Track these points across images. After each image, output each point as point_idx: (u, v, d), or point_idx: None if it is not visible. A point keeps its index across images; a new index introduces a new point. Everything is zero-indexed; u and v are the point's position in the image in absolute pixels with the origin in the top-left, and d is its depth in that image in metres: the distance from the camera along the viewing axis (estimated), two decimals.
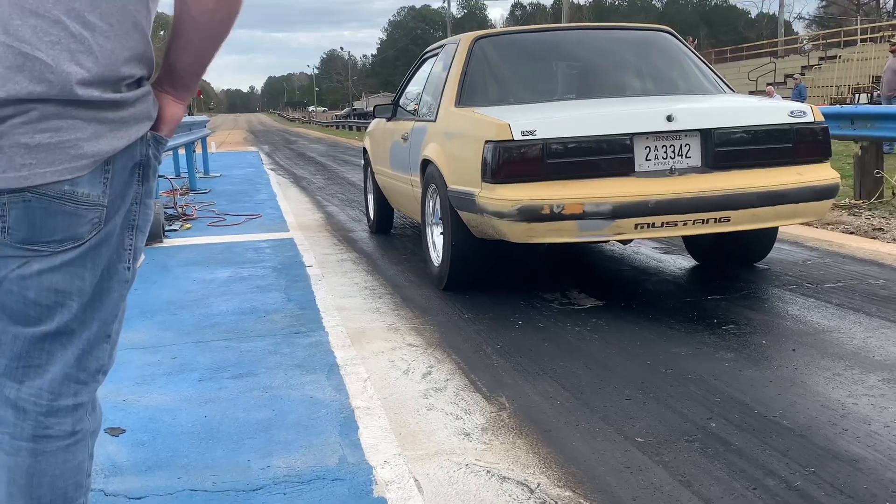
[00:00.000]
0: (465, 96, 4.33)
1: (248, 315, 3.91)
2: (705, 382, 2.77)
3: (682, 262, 4.88)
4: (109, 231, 1.29)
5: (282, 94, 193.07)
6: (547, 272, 4.78)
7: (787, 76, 26.42)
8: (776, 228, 4.20)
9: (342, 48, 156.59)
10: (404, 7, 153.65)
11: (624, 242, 4.23)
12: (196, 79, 1.40)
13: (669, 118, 3.58)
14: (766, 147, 3.69)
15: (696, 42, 34.59)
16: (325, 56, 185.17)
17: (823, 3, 66.00)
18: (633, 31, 4.97)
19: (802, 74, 25.55)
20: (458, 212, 3.92)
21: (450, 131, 4.19)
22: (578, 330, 3.48)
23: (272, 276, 4.85)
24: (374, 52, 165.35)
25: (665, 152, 3.62)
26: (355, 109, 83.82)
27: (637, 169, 3.59)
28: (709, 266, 4.71)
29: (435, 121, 4.46)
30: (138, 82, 1.29)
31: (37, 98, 1.17)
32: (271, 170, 14.38)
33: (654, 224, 3.50)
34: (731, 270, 4.55)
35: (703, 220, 3.53)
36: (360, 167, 14.47)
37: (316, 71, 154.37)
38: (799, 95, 20.24)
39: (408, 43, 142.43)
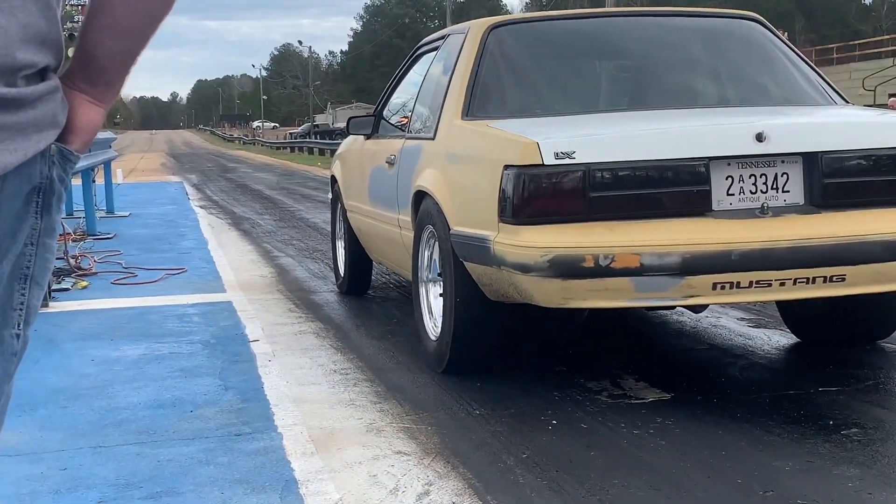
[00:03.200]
0: (477, 105, 4.35)
1: (169, 409, 3.88)
2: None
3: (779, 340, 4.87)
4: None
5: (216, 105, 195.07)
6: (591, 351, 4.76)
7: None
8: None
9: (300, 42, 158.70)
10: None
11: (697, 310, 4.22)
12: (124, 72, 1.40)
13: (760, 137, 3.55)
14: (894, 179, 3.68)
15: (786, 35, 35.16)
16: (276, 52, 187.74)
17: None
18: (709, 19, 5.08)
19: None
20: (466, 264, 3.92)
21: (455, 153, 4.25)
22: (637, 433, 3.45)
23: (202, 354, 4.83)
24: (345, 47, 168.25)
25: (755, 184, 3.61)
26: (317, 126, 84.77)
27: (715, 207, 3.57)
28: (816, 345, 4.70)
29: (433, 138, 4.50)
30: (41, 74, 1.29)
31: None
32: (201, 207, 14.46)
33: (739, 284, 3.45)
34: (847, 352, 4.53)
35: (809, 279, 3.48)
36: (324, 204, 14.54)
37: (264, 73, 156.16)
38: None
39: (391, 35, 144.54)
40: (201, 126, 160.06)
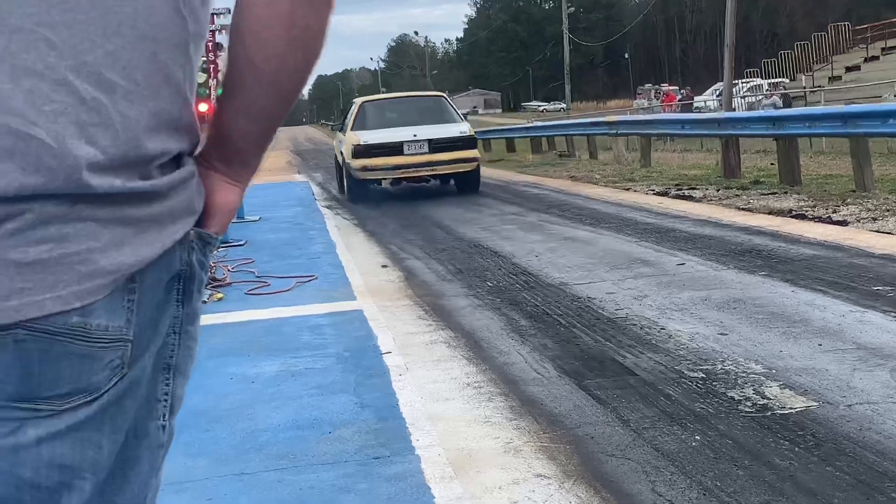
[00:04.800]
0: (354, 125, 15.38)
1: (308, 431, 3.89)
2: None
3: None
4: (136, 376, 1.25)
5: (336, 99, 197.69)
6: (728, 355, 4.60)
7: None
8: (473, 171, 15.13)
9: (416, 33, 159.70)
10: None
11: (394, 184, 15.23)
12: (260, 152, 1.37)
13: (416, 134, 14.52)
14: (453, 143, 14.64)
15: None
16: (392, 44, 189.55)
17: None
18: (425, 97, 16.98)
19: None
20: (349, 169, 14.76)
21: (346, 138, 15.28)
22: (786, 449, 3.31)
23: (337, 369, 4.85)
24: (460, 34, 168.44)
25: (415, 148, 14.46)
26: None
27: (405, 152, 14.40)
28: None
29: (345, 134, 15.68)
30: (176, 161, 1.26)
31: (32, 194, 1.14)
32: (327, 208, 14.62)
33: (409, 171, 14.63)
34: None
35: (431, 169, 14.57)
36: (447, 201, 14.54)
37: (381, 65, 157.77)
38: None
39: (506, 20, 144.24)
40: (323, 121, 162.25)
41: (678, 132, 16.60)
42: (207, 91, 15.76)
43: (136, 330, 1.23)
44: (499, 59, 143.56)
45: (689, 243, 8.15)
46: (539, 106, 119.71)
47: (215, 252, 8.84)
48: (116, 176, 1.17)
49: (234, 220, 9.57)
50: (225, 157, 1.35)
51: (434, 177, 14.92)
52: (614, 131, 19.57)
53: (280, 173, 27.58)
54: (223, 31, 16.21)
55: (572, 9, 54.04)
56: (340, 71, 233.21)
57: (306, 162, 36.96)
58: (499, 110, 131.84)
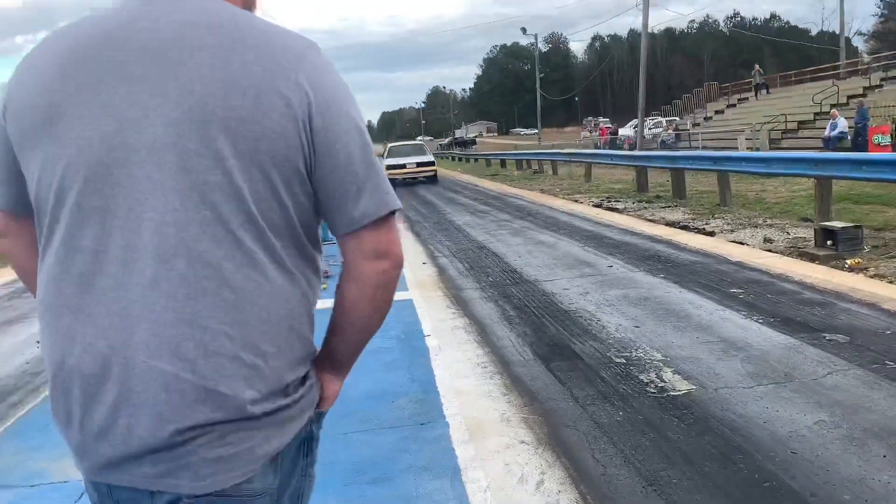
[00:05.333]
0: None
1: (380, 401, 3.89)
2: None
3: (770, 332, 4.58)
4: None
5: (394, 127, 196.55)
6: (639, 347, 4.57)
7: (849, 97, 24.78)
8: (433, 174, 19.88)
9: (444, 87, 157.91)
10: (496, 45, 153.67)
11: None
12: (353, 359, 1.38)
13: (410, 160, 17.08)
14: (425, 163, 17.59)
15: (756, 69, 32.96)
16: (430, 92, 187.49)
17: (881, 18, 61.54)
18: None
19: (864, 96, 23.88)
20: None
21: None
22: (678, 425, 3.29)
23: (397, 348, 4.84)
24: (472, 85, 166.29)
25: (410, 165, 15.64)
26: (456, 138, 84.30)
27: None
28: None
29: None
30: (303, 379, 1.27)
31: (216, 422, 1.16)
32: None
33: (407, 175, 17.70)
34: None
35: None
36: (464, 207, 14.45)
37: (422, 105, 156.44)
38: (862, 118, 18.93)
39: (501, 77, 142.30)
40: (385, 142, 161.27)
41: (608, 162, 16.42)
42: None
43: (279, 481, 1.25)
44: (496, 101, 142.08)
45: (616, 249, 8.08)
46: (521, 131, 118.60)
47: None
48: (268, 402, 1.19)
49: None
50: (333, 365, 1.35)
51: (416, 176, 21.53)
52: (568, 159, 19.39)
53: None
54: None
55: (542, 74, 53.01)
56: (397, 109, 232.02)
57: None
58: (496, 134, 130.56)
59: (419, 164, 21.62)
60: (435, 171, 21.92)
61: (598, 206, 12.66)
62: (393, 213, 1.22)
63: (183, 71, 1.08)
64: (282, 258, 1.15)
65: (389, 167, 20.31)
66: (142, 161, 1.08)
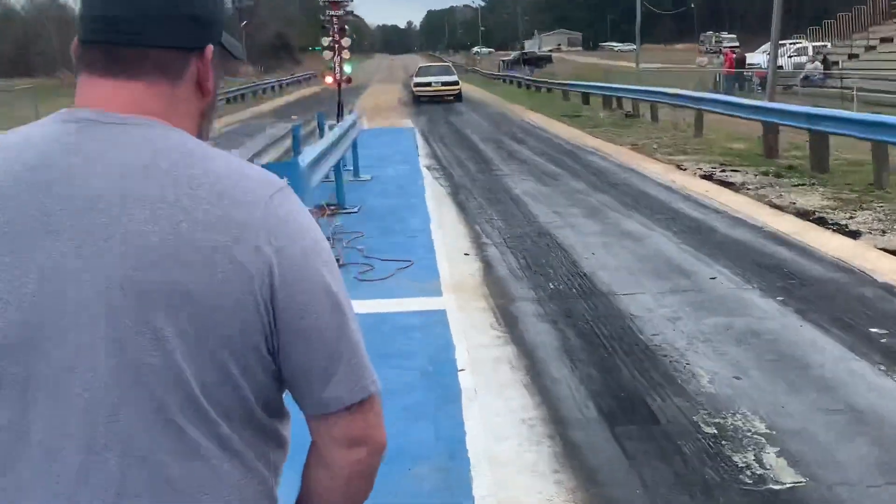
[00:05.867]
0: None
1: (394, 464, 4.01)
2: None
3: None
4: None
5: (442, 32, 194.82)
6: (737, 412, 4.62)
7: None
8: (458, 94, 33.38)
9: None
10: None
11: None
12: None
13: (436, 80, 33.51)
14: (450, 83, 33.28)
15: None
16: None
17: None
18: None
19: None
20: None
21: None
22: None
23: (421, 386, 4.98)
24: None
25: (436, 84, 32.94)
26: (525, 53, 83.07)
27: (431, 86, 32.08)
28: None
29: None
30: None
31: None
32: (427, 168, 14.67)
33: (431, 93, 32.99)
34: None
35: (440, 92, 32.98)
36: (527, 168, 14.45)
37: (481, 4, 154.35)
38: None
39: None
40: (430, 52, 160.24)
41: (726, 112, 16.15)
42: (333, 65, 15.91)
43: None
44: (580, 4, 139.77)
45: (724, 249, 8.05)
46: (614, 46, 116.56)
47: (335, 219, 8.86)
48: None
49: (351, 178, 9.88)
50: None
51: (440, 95, 32.67)
52: (672, 102, 19.17)
53: (390, 115, 27.61)
54: (347, 16, 16.24)
55: None
56: (447, 7, 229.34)
57: (413, 100, 36.81)
58: (580, 48, 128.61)
59: (444, 84, 33.40)
60: (459, 90, 33.64)
61: (706, 176, 12.55)
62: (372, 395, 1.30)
63: (117, 229, 1.16)
64: (233, 443, 1.22)
65: (417, 84, 34.08)
66: (71, 327, 1.16)
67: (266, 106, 36.43)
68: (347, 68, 15.68)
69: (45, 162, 1.20)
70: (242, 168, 1.24)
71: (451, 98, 32.80)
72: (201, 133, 1.31)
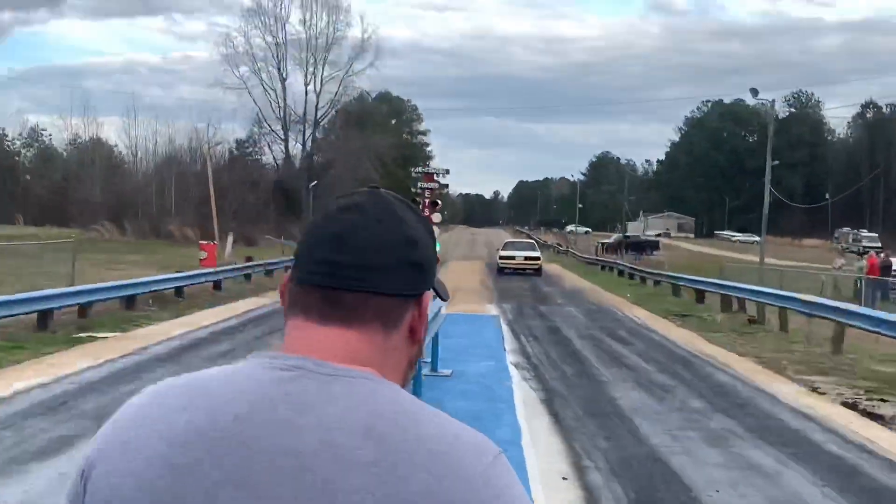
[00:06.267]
0: None
1: None
2: None
3: None
4: None
5: (532, 206, 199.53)
6: None
7: None
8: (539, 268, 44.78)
9: (617, 155, 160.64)
10: (707, 100, 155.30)
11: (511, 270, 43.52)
12: None
13: (519, 254, 46.13)
14: (533, 258, 45.53)
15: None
16: (594, 159, 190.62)
17: None
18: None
19: None
20: None
21: None
22: None
23: None
24: (661, 157, 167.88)
25: (519, 258, 45.19)
26: (628, 237, 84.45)
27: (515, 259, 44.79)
28: None
29: None
30: None
31: None
32: (515, 366, 14.79)
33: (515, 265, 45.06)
34: None
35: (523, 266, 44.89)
36: (630, 369, 14.43)
37: (581, 178, 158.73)
38: None
39: (709, 149, 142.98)
40: (517, 227, 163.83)
41: (873, 330, 16.05)
42: None
43: None
44: (696, 185, 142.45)
45: (876, 499, 7.86)
46: (732, 236, 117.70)
47: None
48: None
49: (428, 372, 9.99)
50: None
51: (523, 268, 43.03)
52: (807, 311, 19.13)
53: (472, 299, 28.03)
54: (440, 190, 16.97)
55: (777, 162, 52.54)
56: (541, 179, 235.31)
57: (497, 283, 37.36)
58: (691, 235, 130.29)
59: (527, 258, 44.91)
60: (540, 265, 44.71)
61: (850, 405, 12.37)
62: None
63: (327, 494, 1.26)
64: None
65: (502, 257, 45.32)
66: None
67: None
68: (436, 247, 16.29)
69: (249, 410, 1.32)
70: (458, 431, 1.33)
71: (532, 272, 43.64)
72: (404, 383, 1.45)
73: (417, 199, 16.17)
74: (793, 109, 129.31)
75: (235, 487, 1.29)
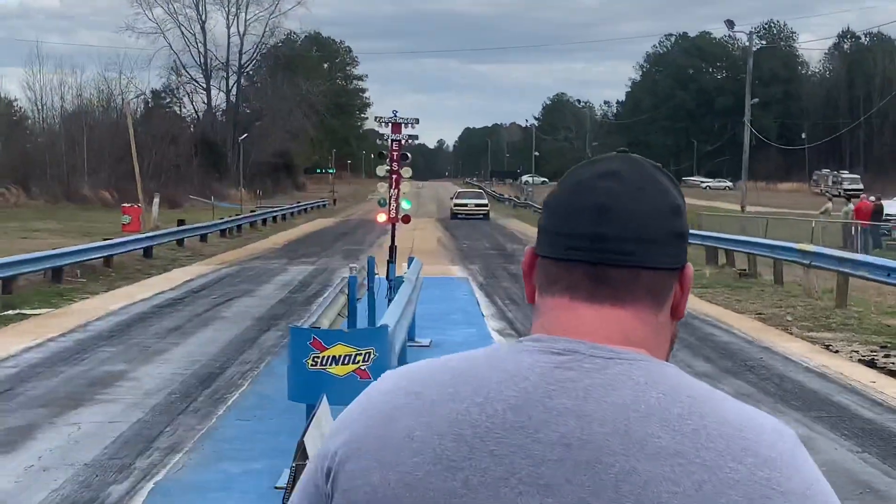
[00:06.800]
0: None
1: None
2: None
3: None
4: None
5: (483, 155, 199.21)
6: None
7: None
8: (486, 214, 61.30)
9: (573, 97, 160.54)
10: (670, 34, 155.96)
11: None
12: None
13: (470, 201, 63.21)
14: (482, 205, 62.54)
15: None
16: (548, 102, 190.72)
17: None
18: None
19: None
20: None
21: None
22: None
23: None
24: (622, 98, 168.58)
25: (471, 206, 62.27)
26: None
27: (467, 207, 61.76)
28: None
29: None
30: None
31: None
32: (498, 332, 14.82)
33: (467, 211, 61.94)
34: None
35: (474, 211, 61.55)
36: None
37: (534, 123, 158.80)
38: None
39: (674, 86, 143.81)
40: (467, 179, 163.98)
41: (884, 280, 16.33)
42: (386, 200, 16.35)
43: None
44: (662, 128, 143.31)
45: None
46: (702, 182, 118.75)
47: None
48: None
49: (407, 343, 9.95)
50: None
51: (474, 214, 58.93)
52: (807, 262, 19.37)
53: (433, 260, 27.90)
54: (409, 141, 16.78)
55: (756, 100, 52.72)
56: (490, 125, 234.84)
57: (458, 241, 37.42)
58: None
59: (476, 205, 60.80)
60: (488, 211, 60.28)
61: (868, 362, 12.60)
62: None
63: (629, 488, 1.25)
64: None
65: (456, 205, 61.25)
66: None
67: (266, 242, 37.07)
68: (405, 204, 16.09)
69: (526, 396, 1.30)
70: (753, 415, 1.33)
71: (482, 216, 58.81)
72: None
73: (384, 152, 15.89)
74: (763, 42, 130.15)
75: (522, 482, 1.27)
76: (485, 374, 1.35)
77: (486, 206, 61.44)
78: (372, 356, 6.88)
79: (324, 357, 6.80)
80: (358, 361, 6.83)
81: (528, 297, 1.43)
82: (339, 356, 6.81)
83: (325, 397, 5.20)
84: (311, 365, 6.80)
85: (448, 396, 1.34)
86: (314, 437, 4.78)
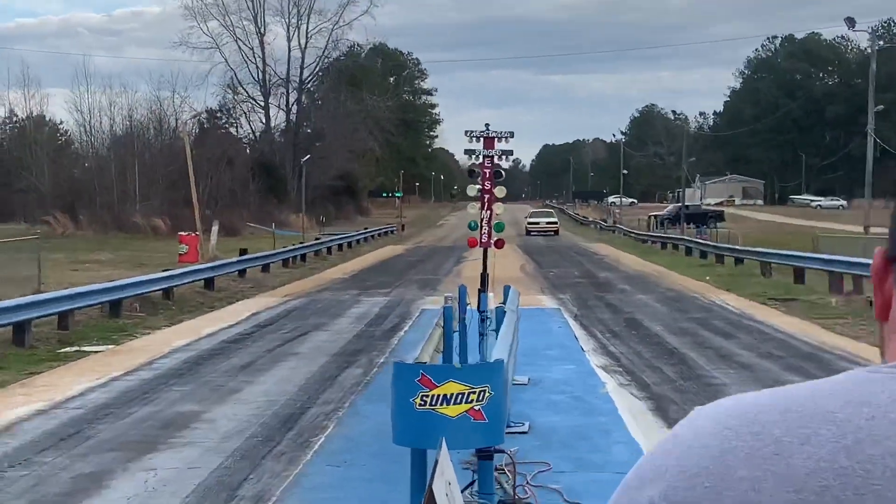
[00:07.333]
0: None
1: None
2: None
3: None
4: None
5: (564, 175, 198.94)
6: None
7: None
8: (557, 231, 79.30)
9: (663, 108, 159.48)
10: (774, 37, 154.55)
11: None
12: None
13: (542, 220, 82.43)
14: (552, 223, 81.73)
15: None
16: (636, 115, 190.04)
17: None
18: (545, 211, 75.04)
19: None
20: None
21: None
22: None
23: None
24: (718, 109, 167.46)
25: (542, 224, 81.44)
26: (688, 207, 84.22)
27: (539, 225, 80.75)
28: None
29: None
30: None
31: None
32: (602, 368, 14.70)
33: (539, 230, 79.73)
34: None
35: (545, 229, 79.99)
36: (744, 377, 14.31)
37: (621, 137, 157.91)
38: None
39: (778, 95, 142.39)
40: (547, 202, 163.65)
41: None
42: (477, 224, 16.26)
43: None
44: (765, 141, 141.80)
45: None
46: (812, 201, 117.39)
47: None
48: None
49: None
50: None
51: (546, 231, 76.95)
52: None
53: (519, 288, 27.68)
54: (503, 158, 16.71)
55: (881, 107, 51.75)
56: (570, 141, 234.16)
57: (543, 269, 37.32)
58: (760, 202, 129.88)
59: (548, 223, 79.40)
60: (557, 227, 79.25)
61: None
62: None
63: None
64: None
65: (529, 223, 78.78)
66: None
67: (333, 272, 37.32)
68: (498, 227, 15.94)
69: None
70: None
71: (553, 233, 75.30)
72: None
73: (475, 169, 15.82)
74: (881, 43, 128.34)
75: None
76: (843, 412, 1.23)
77: (555, 223, 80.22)
78: (487, 394, 6.81)
79: (433, 396, 6.73)
80: (472, 400, 6.76)
81: (877, 312, 1.29)
82: (451, 395, 6.74)
83: (444, 441, 5.17)
84: (420, 405, 6.74)
85: (802, 439, 1.22)
86: (440, 486, 4.74)
